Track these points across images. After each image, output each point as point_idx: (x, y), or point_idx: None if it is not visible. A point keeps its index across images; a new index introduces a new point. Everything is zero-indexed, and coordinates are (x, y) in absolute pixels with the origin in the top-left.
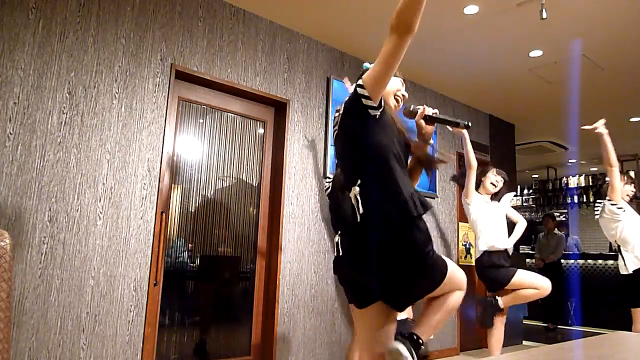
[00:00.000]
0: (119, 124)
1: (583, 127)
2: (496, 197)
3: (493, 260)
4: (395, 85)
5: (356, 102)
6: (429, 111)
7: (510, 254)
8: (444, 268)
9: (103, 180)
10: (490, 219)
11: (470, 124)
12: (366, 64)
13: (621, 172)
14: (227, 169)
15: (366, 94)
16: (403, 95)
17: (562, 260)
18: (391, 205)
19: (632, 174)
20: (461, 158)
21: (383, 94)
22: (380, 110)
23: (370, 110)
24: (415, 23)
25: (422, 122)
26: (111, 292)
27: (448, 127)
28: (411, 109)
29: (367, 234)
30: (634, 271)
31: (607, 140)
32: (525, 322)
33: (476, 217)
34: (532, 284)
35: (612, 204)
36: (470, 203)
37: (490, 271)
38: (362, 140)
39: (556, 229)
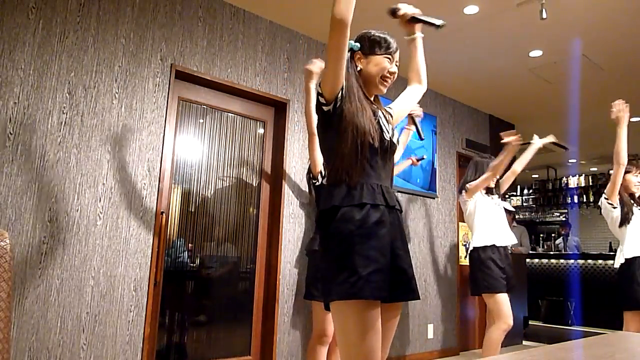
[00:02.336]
0: (119, 124)
1: (503, 136)
2: (495, 190)
3: (484, 257)
4: (379, 66)
5: (317, 99)
6: (410, 11)
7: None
8: (342, 294)
9: (103, 180)
10: (489, 214)
11: (444, 24)
12: (353, 43)
13: (633, 161)
14: (227, 169)
15: (319, 90)
16: (392, 73)
17: (562, 260)
18: (330, 197)
19: None
20: (461, 158)
21: (368, 77)
22: (333, 104)
23: (323, 107)
24: (344, 13)
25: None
26: (111, 292)
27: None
28: (391, 8)
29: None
30: (620, 267)
31: (624, 132)
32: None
33: (473, 210)
34: (498, 313)
35: (606, 200)
36: (469, 199)
37: (478, 271)
38: (321, 136)
39: (514, 222)
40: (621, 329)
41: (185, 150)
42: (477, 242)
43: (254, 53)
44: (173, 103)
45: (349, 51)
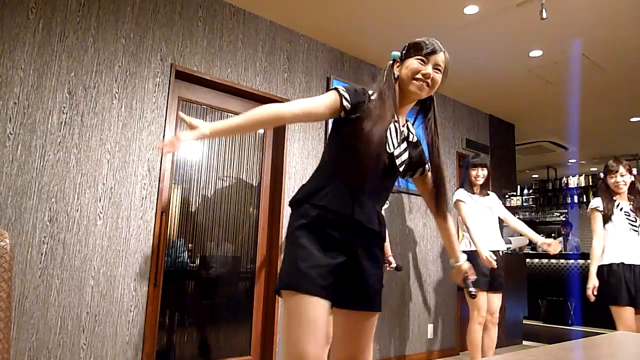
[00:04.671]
0: (119, 124)
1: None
2: (485, 189)
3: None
4: (409, 68)
5: None
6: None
7: (506, 252)
8: (280, 285)
9: (103, 180)
10: (478, 218)
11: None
12: (394, 53)
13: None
14: (227, 169)
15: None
16: (426, 74)
17: (562, 260)
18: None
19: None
20: (461, 158)
21: (402, 82)
22: (343, 115)
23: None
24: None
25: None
26: (111, 292)
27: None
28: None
29: None
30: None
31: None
32: (525, 322)
33: (464, 215)
34: (471, 308)
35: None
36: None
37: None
38: (332, 131)
39: None
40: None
41: (185, 150)
42: (463, 247)
43: (254, 53)
44: (173, 103)
45: (391, 62)
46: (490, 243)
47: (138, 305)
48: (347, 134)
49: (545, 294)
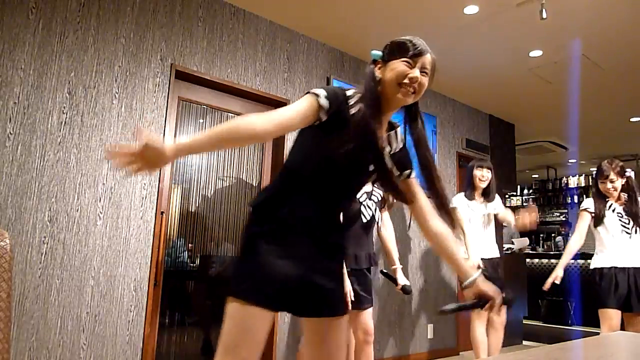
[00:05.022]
0: (119, 124)
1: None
2: (488, 195)
3: None
4: (394, 71)
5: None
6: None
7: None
8: (229, 292)
9: (103, 180)
10: (472, 226)
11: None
12: (374, 52)
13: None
14: (227, 169)
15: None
16: (413, 79)
17: None
18: None
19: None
20: (461, 158)
21: (386, 87)
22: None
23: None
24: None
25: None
26: (111, 292)
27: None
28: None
29: None
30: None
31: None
32: (525, 322)
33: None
34: None
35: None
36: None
37: None
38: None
39: None
40: (620, 329)
41: None
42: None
43: (254, 53)
44: (173, 103)
45: (372, 63)
46: (483, 251)
47: (138, 305)
48: (321, 143)
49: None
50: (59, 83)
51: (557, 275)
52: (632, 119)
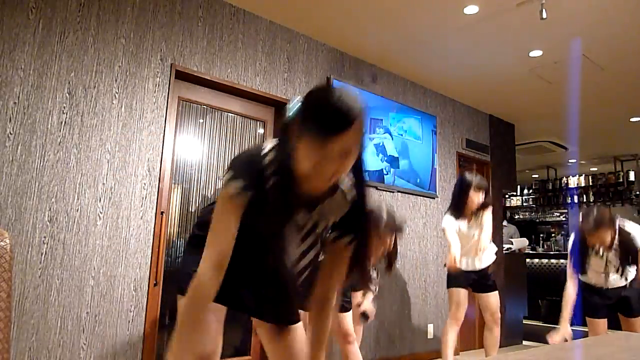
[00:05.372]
0: (119, 124)
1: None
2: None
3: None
4: (306, 160)
5: None
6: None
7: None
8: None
9: (103, 180)
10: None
11: None
12: (292, 105)
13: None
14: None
15: None
16: (330, 173)
17: (563, 260)
18: None
19: (631, 174)
20: (461, 158)
21: (301, 168)
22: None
23: None
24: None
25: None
26: (111, 292)
27: None
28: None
29: None
30: None
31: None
32: (525, 322)
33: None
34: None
35: None
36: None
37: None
38: None
39: (504, 220)
40: (620, 329)
41: (185, 150)
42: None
43: (254, 53)
44: (173, 103)
45: (288, 120)
46: (471, 265)
47: (138, 305)
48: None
49: (545, 294)
50: (59, 83)
51: (567, 332)
52: (632, 119)
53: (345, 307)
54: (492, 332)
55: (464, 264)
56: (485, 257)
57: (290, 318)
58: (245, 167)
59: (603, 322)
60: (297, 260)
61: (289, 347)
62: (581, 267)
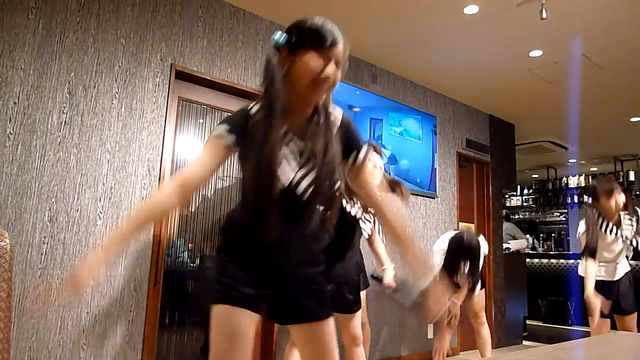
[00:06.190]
0: (119, 124)
1: None
2: None
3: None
4: (305, 66)
5: None
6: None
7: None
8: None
9: (103, 180)
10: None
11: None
12: (278, 39)
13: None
14: (227, 169)
15: None
16: (326, 77)
17: (562, 260)
18: None
19: (632, 174)
20: (461, 157)
21: (294, 82)
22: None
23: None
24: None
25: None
26: (111, 292)
27: None
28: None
29: None
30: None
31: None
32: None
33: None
34: None
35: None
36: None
37: None
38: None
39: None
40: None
41: (185, 150)
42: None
43: (254, 53)
44: (173, 103)
45: (275, 48)
46: None
47: (138, 305)
48: (241, 162)
49: (545, 294)
50: (59, 83)
51: (599, 302)
52: (632, 119)
53: (353, 308)
54: (479, 334)
55: None
56: None
57: (322, 313)
58: (232, 116)
59: (607, 322)
60: (299, 181)
61: (327, 342)
62: (593, 251)
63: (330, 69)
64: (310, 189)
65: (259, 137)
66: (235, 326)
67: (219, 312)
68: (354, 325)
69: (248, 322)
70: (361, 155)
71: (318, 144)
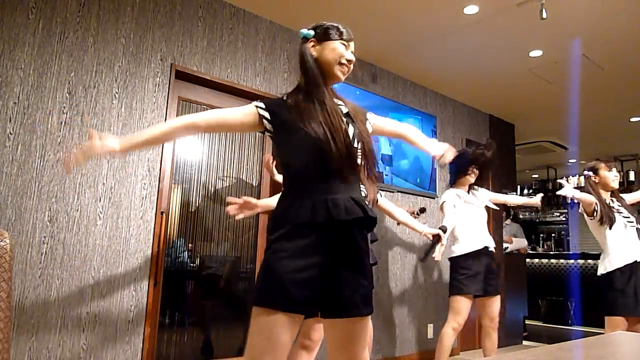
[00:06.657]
0: (119, 124)
1: None
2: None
3: (462, 264)
4: (335, 51)
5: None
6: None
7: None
8: (253, 300)
9: (103, 180)
10: (468, 221)
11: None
12: (305, 31)
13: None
14: (227, 169)
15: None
16: (349, 60)
17: (562, 260)
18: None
19: (631, 174)
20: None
21: (325, 64)
22: (266, 127)
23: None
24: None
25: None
26: (111, 292)
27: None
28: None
29: None
30: (601, 275)
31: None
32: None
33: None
34: (452, 311)
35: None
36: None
37: (457, 275)
38: (276, 153)
39: (508, 219)
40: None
41: (185, 150)
42: (457, 250)
43: (254, 53)
44: (173, 103)
45: (302, 39)
46: (480, 241)
47: (138, 305)
48: (283, 148)
49: (545, 294)
50: (59, 83)
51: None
52: (632, 119)
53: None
54: (490, 338)
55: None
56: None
57: (369, 307)
58: (267, 99)
59: (623, 320)
60: (351, 142)
61: (364, 338)
62: (610, 218)
63: (350, 54)
64: (360, 146)
65: (310, 108)
66: (280, 333)
67: (264, 317)
68: (371, 325)
69: (293, 327)
70: (372, 116)
71: (353, 109)
